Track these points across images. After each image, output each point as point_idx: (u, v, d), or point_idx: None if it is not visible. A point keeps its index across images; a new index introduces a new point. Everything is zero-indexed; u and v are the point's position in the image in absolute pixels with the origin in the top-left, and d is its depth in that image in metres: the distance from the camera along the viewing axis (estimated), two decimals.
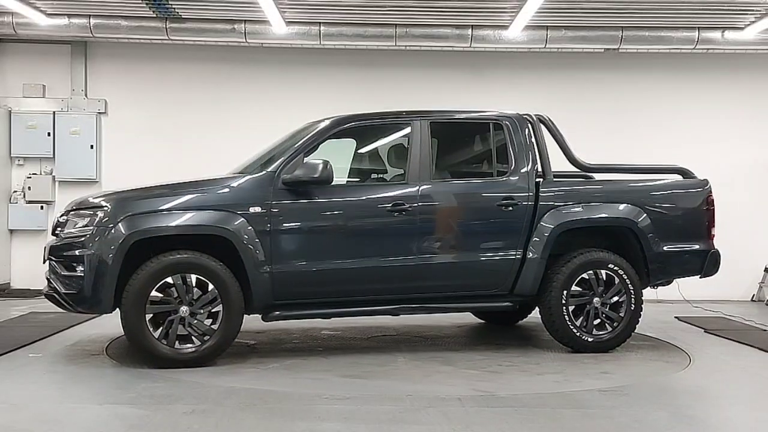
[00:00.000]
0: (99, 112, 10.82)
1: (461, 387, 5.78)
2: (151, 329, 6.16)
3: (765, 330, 8.53)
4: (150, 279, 6.14)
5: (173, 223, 6.27)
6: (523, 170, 7.07)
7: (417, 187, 6.78)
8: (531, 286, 7.00)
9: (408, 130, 7.00)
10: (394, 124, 7.22)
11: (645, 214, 7.20)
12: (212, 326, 6.26)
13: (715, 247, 7.46)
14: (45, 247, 6.61)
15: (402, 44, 10.17)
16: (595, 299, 7.06)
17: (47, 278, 6.52)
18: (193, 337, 6.24)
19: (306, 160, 6.54)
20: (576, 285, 7.04)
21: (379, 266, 6.66)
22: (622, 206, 7.21)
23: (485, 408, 5.25)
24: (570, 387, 5.89)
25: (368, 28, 10.01)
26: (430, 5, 9.38)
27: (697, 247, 7.40)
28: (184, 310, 6.19)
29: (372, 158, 7.62)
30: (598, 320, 7.11)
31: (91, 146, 10.76)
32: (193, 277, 6.23)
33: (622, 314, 7.12)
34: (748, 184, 11.03)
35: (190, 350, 6.24)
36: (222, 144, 10.47)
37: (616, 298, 7.11)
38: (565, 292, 6.98)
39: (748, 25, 9.77)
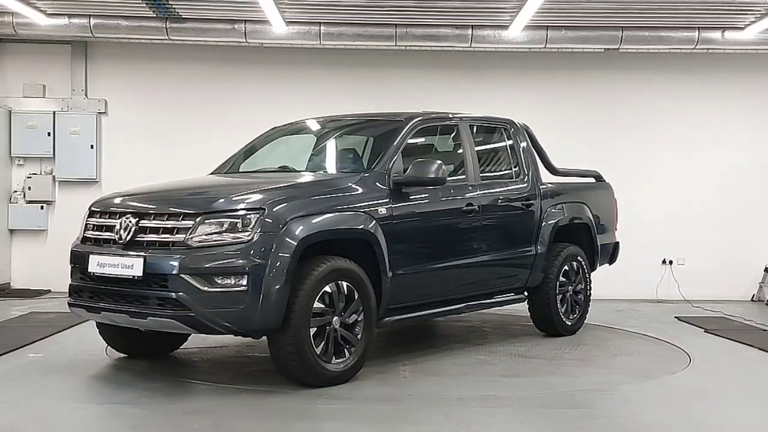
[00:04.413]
0: (99, 112, 10.81)
1: (463, 387, 5.79)
2: (314, 345, 5.50)
3: (765, 330, 8.53)
4: (315, 288, 5.48)
5: (335, 227, 5.75)
6: (532, 173, 7.70)
7: (477, 188, 6.98)
8: (538, 278, 7.59)
9: (457, 131, 7.16)
10: (449, 126, 7.24)
11: (593, 212, 8.24)
12: (357, 336, 5.78)
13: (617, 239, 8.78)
14: (129, 262, 5.41)
15: (402, 44, 10.17)
16: (570, 287, 7.89)
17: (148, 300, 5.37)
18: (345, 350, 5.71)
19: (417, 160, 6.40)
20: (561, 276, 7.78)
21: (463, 265, 6.83)
22: (583, 206, 8.19)
23: (485, 408, 5.25)
24: (570, 387, 5.89)
25: (368, 28, 10.00)
26: (430, 5, 9.37)
27: (612, 239, 8.64)
28: (335, 320, 5.64)
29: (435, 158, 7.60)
30: (569, 306, 7.91)
31: (91, 146, 10.75)
32: (344, 284, 5.68)
33: (583, 299, 8.04)
34: (748, 184, 11.02)
35: (343, 365, 5.69)
36: (222, 143, 10.33)
37: (581, 286, 8.02)
38: (557, 283, 7.71)
39: (748, 25, 9.76)
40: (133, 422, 4.82)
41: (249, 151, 7.40)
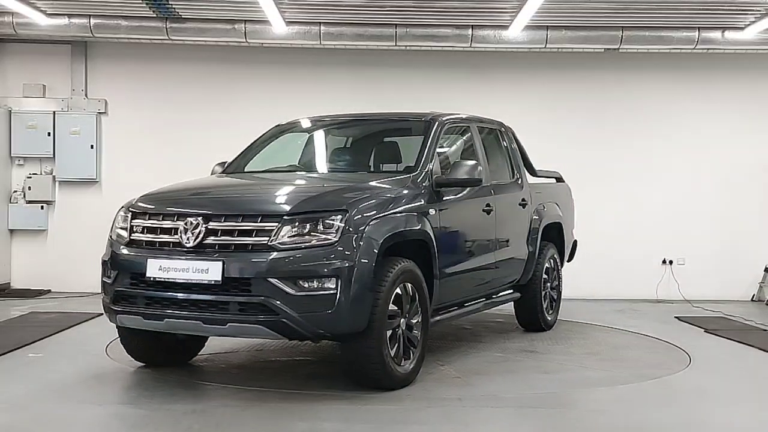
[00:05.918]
0: (99, 112, 10.81)
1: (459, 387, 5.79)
2: (389, 348, 5.41)
3: (765, 330, 8.53)
4: (390, 290, 5.38)
5: (408, 227, 5.69)
6: (523, 174, 7.91)
7: (490, 188, 7.06)
8: (529, 276, 7.80)
9: (469, 131, 7.24)
10: (465, 126, 7.26)
11: (561, 211, 8.49)
12: (417, 337, 5.72)
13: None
14: (203, 266, 5.13)
15: (402, 44, 10.17)
16: (548, 284, 8.13)
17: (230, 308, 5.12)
18: (410, 352, 5.64)
19: (455, 161, 6.51)
20: (544, 273, 8.02)
21: (486, 265, 6.95)
22: (556, 205, 8.43)
23: (485, 407, 5.26)
24: (570, 387, 5.90)
25: (368, 28, 10.00)
26: (430, 5, 9.37)
27: (573, 237, 8.86)
28: (402, 322, 5.56)
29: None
30: (549, 302, 8.20)
31: (91, 146, 10.75)
32: (409, 286, 5.61)
33: (557, 295, 8.37)
34: (748, 184, 11.02)
35: (409, 366, 5.62)
36: (222, 144, 10.36)
37: (556, 282, 8.32)
38: (542, 280, 7.95)
39: (748, 25, 9.76)
40: (133, 422, 4.82)
41: (254, 151, 7.18)
